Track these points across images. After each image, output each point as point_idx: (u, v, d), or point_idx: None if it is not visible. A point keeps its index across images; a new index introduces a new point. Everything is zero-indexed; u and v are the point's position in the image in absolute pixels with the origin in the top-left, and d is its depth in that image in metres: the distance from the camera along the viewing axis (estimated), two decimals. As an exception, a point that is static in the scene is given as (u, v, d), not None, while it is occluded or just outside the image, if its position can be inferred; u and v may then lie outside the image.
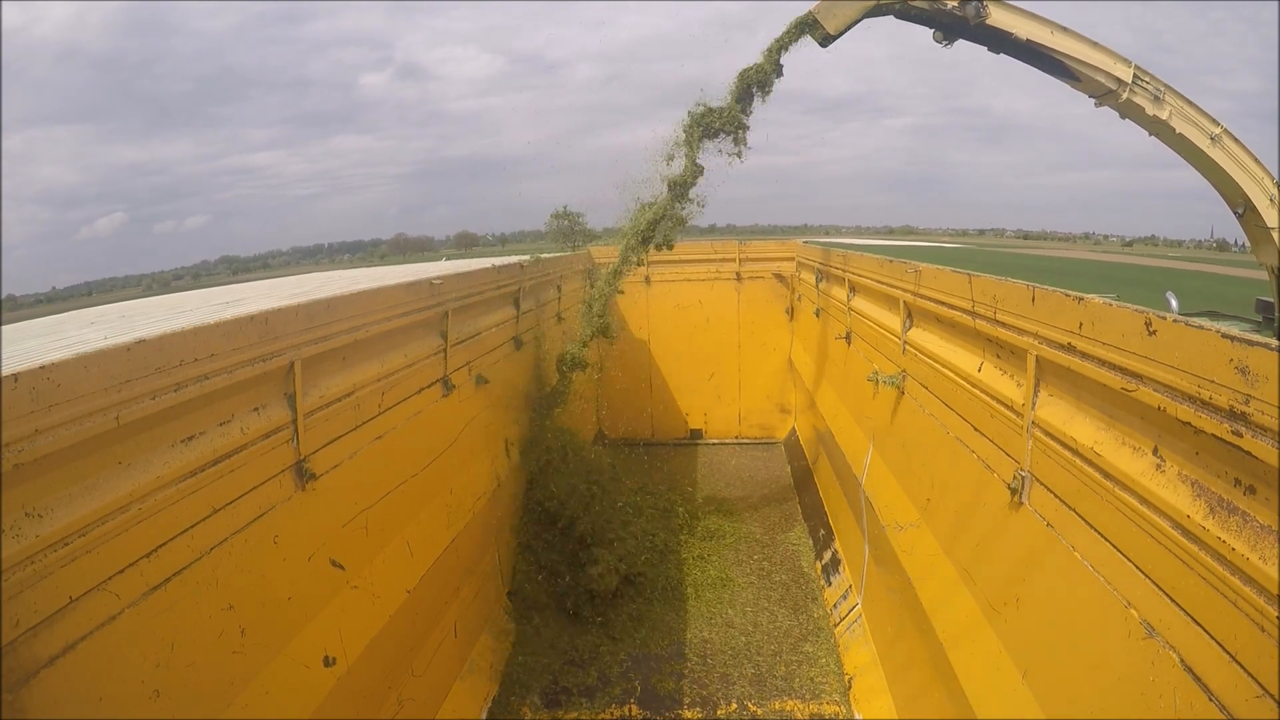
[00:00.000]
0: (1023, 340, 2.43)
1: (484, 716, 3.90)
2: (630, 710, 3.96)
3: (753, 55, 5.08)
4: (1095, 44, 5.18)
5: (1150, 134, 5.50)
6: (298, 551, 2.55)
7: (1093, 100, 5.50)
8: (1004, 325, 2.61)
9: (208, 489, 2.10)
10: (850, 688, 4.02)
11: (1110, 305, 1.90)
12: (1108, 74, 5.21)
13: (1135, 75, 5.25)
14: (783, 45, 4.99)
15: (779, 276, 8.44)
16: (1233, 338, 1.40)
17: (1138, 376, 1.75)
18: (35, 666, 1.54)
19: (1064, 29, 5.12)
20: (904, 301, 3.91)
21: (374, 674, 2.92)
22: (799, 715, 3.89)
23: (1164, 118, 5.32)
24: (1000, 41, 5.13)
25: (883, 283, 4.45)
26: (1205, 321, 1.64)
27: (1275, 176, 5.52)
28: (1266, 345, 1.32)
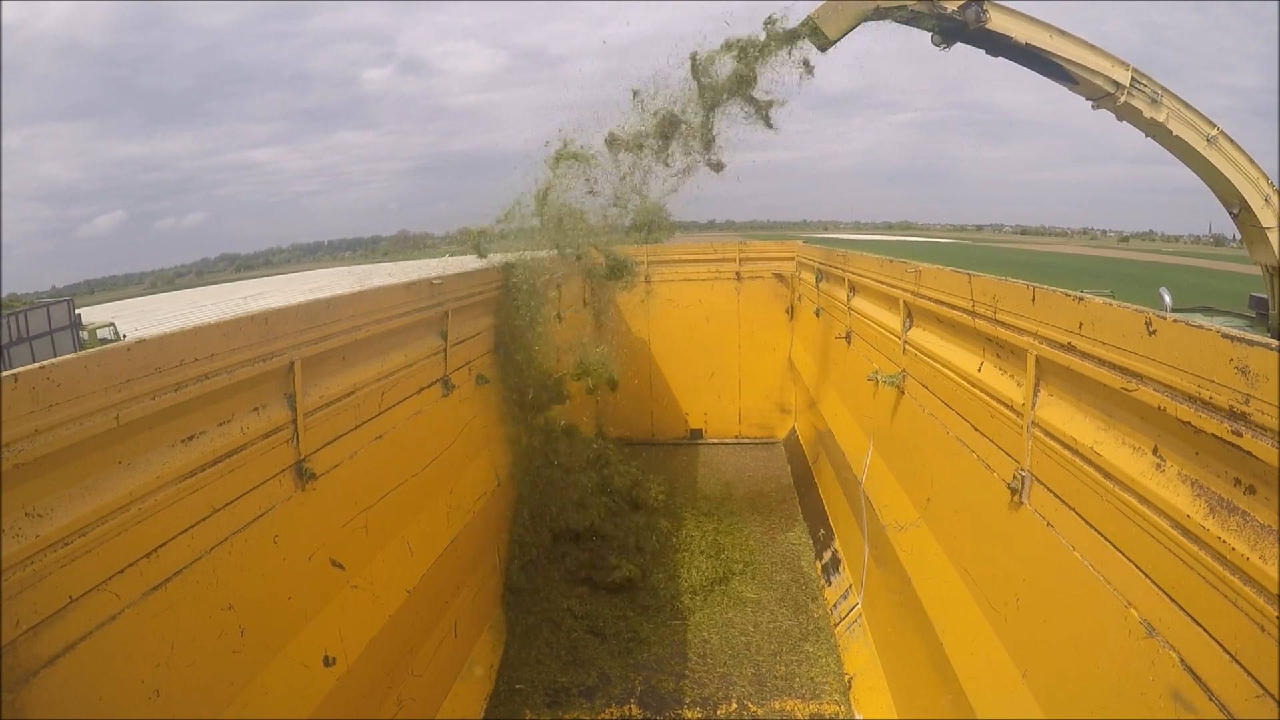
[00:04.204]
0: (1023, 340, 2.43)
1: (484, 716, 3.90)
2: (630, 710, 3.95)
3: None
4: (1094, 47, 5.21)
5: (1146, 135, 5.54)
6: (298, 551, 2.55)
7: (1090, 103, 5.52)
8: (1004, 325, 2.61)
9: (208, 489, 2.10)
10: (850, 688, 4.02)
11: (1110, 305, 1.89)
12: (1106, 77, 5.24)
13: (1133, 78, 5.27)
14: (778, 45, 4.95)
15: (779, 276, 8.44)
16: (1233, 338, 1.40)
17: (1138, 376, 1.74)
18: (35, 666, 1.54)
19: (1063, 33, 5.14)
20: (904, 301, 3.91)
21: (374, 674, 2.92)
22: (799, 715, 3.89)
23: (1161, 120, 5.35)
24: (999, 45, 5.15)
25: (883, 282, 4.45)
26: (1204, 320, 1.64)
27: (1270, 177, 5.57)
28: (1266, 345, 1.32)
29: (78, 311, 16.47)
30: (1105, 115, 5.64)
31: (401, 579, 3.23)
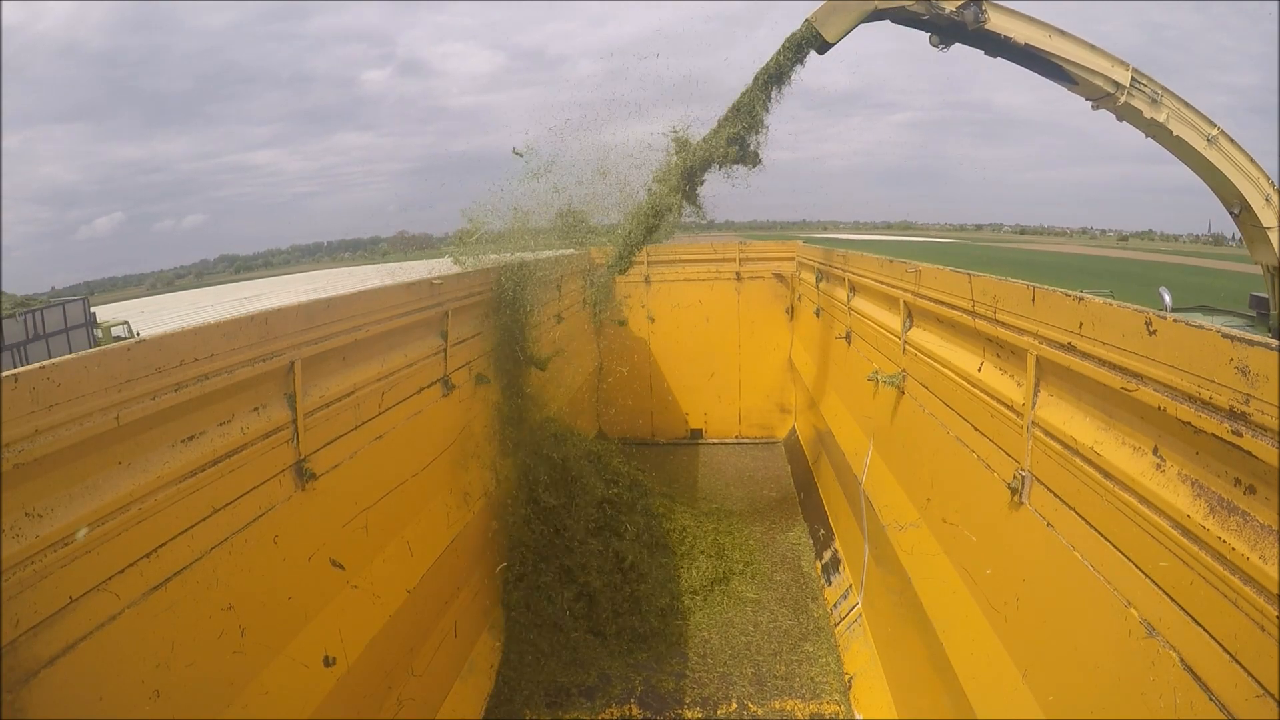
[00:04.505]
0: (1023, 340, 2.43)
1: (484, 717, 3.90)
2: (630, 710, 3.96)
3: (752, 51, 5.05)
4: (1093, 47, 5.19)
5: (1146, 135, 5.52)
6: (298, 551, 2.55)
7: (1089, 103, 5.51)
8: (1004, 325, 2.61)
9: (208, 489, 2.10)
10: (850, 687, 4.02)
11: (1110, 305, 1.89)
12: (1105, 77, 5.22)
13: (1133, 78, 5.26)
14: (783, 68, 4.86)
15: (779, 276, 8.44)
16: (1233, 338, 1.40)
17: (1138, 376, 1.74)
18: (35, 666, 1.54)
19: (1062, 32, 5.12)
20: (904, 301, 3.91)
21: (374, 674, 2.92)
22: (799, 715, 3.89)
23: (1161, 120, 5.34)
24: (998, 45, 5.13)
25: (883, 282, 4.45)
26: (1204, 320, 1.64)
27: (1270, 176, 5.56)
28: (1266, 345, 1.32)
29: (92, 310, 16.61)
30: (1105, 115, 5.64)
31: (401, 579, 3.23)
